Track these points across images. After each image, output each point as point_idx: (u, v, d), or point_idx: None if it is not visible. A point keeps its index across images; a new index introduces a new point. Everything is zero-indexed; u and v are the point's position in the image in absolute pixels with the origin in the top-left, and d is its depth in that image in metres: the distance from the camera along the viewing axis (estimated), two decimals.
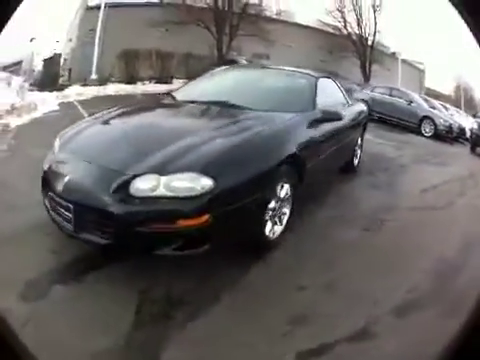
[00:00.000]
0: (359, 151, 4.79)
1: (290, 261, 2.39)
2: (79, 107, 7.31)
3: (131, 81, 11.64)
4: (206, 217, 1.87)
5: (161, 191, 1.88)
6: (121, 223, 1.88)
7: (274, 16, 15.03)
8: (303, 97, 3.13)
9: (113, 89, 10.75)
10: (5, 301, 1.61)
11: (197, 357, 1.53)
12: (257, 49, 14.18)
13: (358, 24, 15.76)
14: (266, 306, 1.92)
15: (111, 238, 1.92)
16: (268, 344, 1.65)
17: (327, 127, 3.12)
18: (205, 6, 12.57)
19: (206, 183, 1.91)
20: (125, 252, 2.10)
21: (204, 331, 1.68)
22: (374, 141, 6.37)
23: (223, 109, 2.86)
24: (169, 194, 1.88)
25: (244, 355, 1.57)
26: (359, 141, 4.62)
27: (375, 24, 15.57)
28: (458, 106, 12.22)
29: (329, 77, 4.10)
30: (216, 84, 3.54)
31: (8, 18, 0.76)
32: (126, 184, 1.91)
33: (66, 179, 2.07)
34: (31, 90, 9.22)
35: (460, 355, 0.69)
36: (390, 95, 10.52)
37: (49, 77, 11.28)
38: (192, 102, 3.07)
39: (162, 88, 9.24)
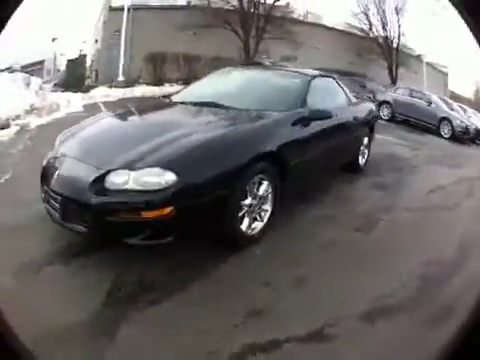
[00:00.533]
0: (366, 151, 4.64)
1: (264, 257, 2.33)
2: (103, 108, 7.39)
3: (158, 83, 11.95)
4: (169, 209, 1.95)
5: (131, 185, 1.99)
6: (95, 213, 2.01)
7: (301, 18, 14.91)
8: (292, 96, 3.05)
9: (140, 91, 10.88)
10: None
11: (151, 338, 1.61)
12: (285, 51, 14.14)
13: (383, 27, 15.58)
14: (228, 298, 1.92)
15: (88, 227, 2.06)
16: (220, 334, 1.66)
17: (318, 126, 3.01)
18: (231, 8, 12.68)
19: (170, 178, 1.98)
20: (101, 239, 2.21)
21: (163, 316, 1.75)
22: (392, 141, 6.11)
23: (208, 109, 2.87)
24: (137, 188, 1.98)
25: (194, 341, 1.61)
26: (365, 140, 4.42)
27: (399, 27, 15.44)
28: (479, 109, 11.73)
29: (330, 76, 4.00)
30: (211, 85, 3.57)
31: (8, 18, 0.76)
32: (102, 178, 2.04)
33: (56, 174, 2.25)
34: (55, 91, 9.53)
35: (460, 355, 0.68)
36: (411, 96, 10.41)
37: (74, 78, 11.31)
38: (183, 103, 3.12)
39: None
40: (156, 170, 2.00)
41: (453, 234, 2.93)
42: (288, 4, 14.48)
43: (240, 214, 2.33)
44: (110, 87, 11.10)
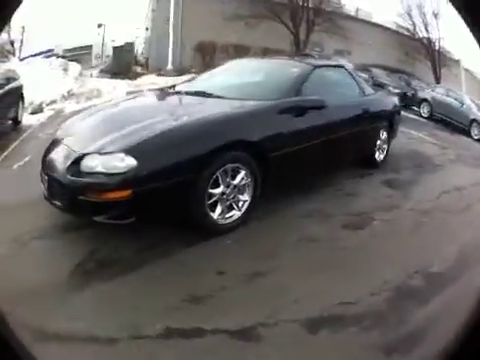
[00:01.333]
0: (386, 146, 4.27)
1: (232, 247, 2.24)
2: None
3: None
4: (128, 192, 2.00)
5: (100, 168, 2.09)
6: (69, 192, 2.14)
7: (352, 14, 14.40)
8: (286, 85, 2.87)
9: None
10: None
11: (97, 306, 1.74)
12: (338, 45, 13.68)
13: (425, 28, 15.23)
14: (176, 281, 1.91)
15: (65, 204, 2.21)
16: (151, 313, 1.67)
17: (315, 117, 2.80)
18: (281, 1, 12.39)
19: (130, 163, 2.03)
20: (74, 215, 2.31)
21: (114, 289, 1.83)
22: (422, 139, 5.61)
23: (195, 98, 2.83)
24: (104, 171, 2.08)
25: (127, 315, 1.64)
26: (383, 135, 4.03)
27: (438, 30, 15.07)
28: None
29: (341, 67, 3.72)
30: (215, 75, 3.49)
31: (8, 18, 0.75)
32: (78, 162, 2.15)
33: (48, 157, 2.45)
34: (101, 77, 9.70)
35: (460, 355, 0.66)
36: (447, 95, 10.22)
37: (120, 65, 11.04)
38: (178, 92, 3.11)
39: None
40: (120, 155, 2.06)
41: (454, 243, 2.52)
42: (339, 0, 14.00)
43: (210, 201, 2.26)
44: (159, 75, 11.06)
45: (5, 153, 3.60)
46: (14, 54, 10.81)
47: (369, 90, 3.94)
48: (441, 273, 2.18)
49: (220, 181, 2.29)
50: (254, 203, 2.51)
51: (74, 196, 2.10)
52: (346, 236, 2.51)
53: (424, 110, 10.23)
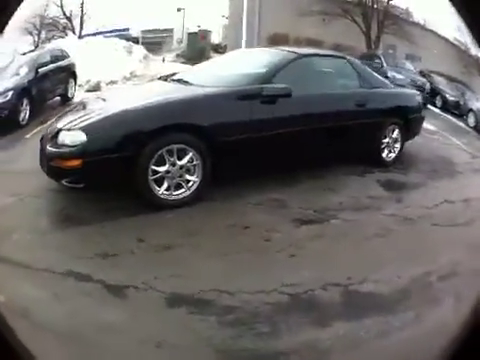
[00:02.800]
0: (398, 145, 3.71)
1: (169, 221, 2.31)
2: None
3: None
4: (78, 162, 2.27)
5: (65, 141, 2.36)
6: (46, 159, 2.46)
7: (421, 22, 13.36)
8: (256, 73, 2.76)
9: None
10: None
11: (51, 244, 2.08)
12: (410, 50, 13.02)
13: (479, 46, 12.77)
14: (105, 240, 2.11)
15: (45, 169, 2.54)
16: (69, 259, 1.91)
17: (283, 105, 2.66)
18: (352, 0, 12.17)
19: (82, 138, 2.29)
20: (49, 178, 2.59)
21: (65, 236, 2.18)
22: (457, 146, 4.82)
23: (170, 85, 2.98)
24: (68, 143, 2.35)
25: (58, 254, 1.96)
26: (393, 133, 3.56)
27: None
28: None
29: (341, 57, 3.42)
30: (209, 64, 3.58)
31: (8, 18, 0.74)
32: (56, 136, 2.45)
33: (46, 132, 2.76)
34: (174, 62, 9.69)
35: (460, 355, 0.66)
36: None
37: (194, 51, 10.77)
38: (166, 79, 3.22)
39: None
40: (78, 132, 2.33)
41: (421, 264, 2.04)
42: (407, 8, 13.14)
43: (154, 177, 2.33)
44: None
45: (38, 128, 4.20)
46: (74, 31, 10.48)
47: (377, 83, 3.52)
48: (370, 294, 1.79)
49: (165, 159, 2.35)
50: (204, 184, 2.50)
51: (48, 163, 2.42)
52: (286, 229, 2.31)
53: (470, 120, 9.13)
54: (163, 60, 10.87)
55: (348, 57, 3.49)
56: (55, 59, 5.62)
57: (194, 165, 2.46)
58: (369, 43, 11.86)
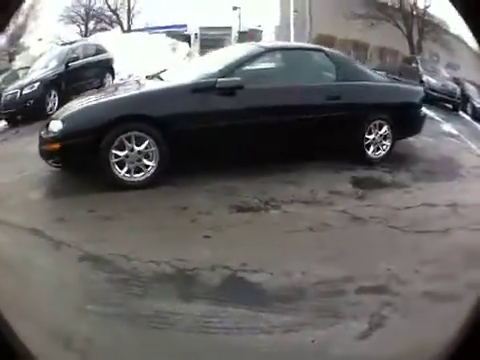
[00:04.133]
0: (387, 142, 3.37)
1: (124, 198, 2.62)
2: None
3: None
4: (57, 145, 2.68)
5: (53, 128, 2.78)
6: (39, 143, 2.88)
7: (455, 32, 11.61)
8: (216, 67, 2.86)
9: None
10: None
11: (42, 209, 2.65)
12: (450, 59, 11.74)
13: None
14: (62, 205, 2.61)
15: (39, 151, 2.92)
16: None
17: (246, 98, 2.78)
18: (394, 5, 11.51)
19: (60, 126, 2.71)
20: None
21: (55, 203, 2.73)
22: (472, 150, 4.15)
23: (152, 81, 3.22)
24: (52, 130, 2.78)
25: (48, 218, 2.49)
26: (381, 129, 3.31)
27: None
28: None
29: (320, 50, 3.32)
30: (192, 62, 3.80)
31: (8, 18, 0.73)
32: (48, 124, 2.87)
33: None
34: None
35: (460, 355, 0.66)
36: None
37: None
38: (147, 77, 3.46)
39: None
40: (58, 121, 2.75)
41: (343, 266, 1.92)
42: (443, 19, 11.70)
43: (115, 160, 2.64)
44: None
45: None
46: (121, 25, 10.04)
47: (366, 76, 3.30)
48: (254, 284, 1.81)
49: (125, 145, 2.64)
50: (161, 169, 2.73)
51: (40, 146, 2.84)
52: (218, 214, 2.44)
53: None
54: None
55: (326, 49, 3.34)
56: (89, 54, 5.85)
57: (152, 151, 2.73)
58: (412, 48, 11.31)
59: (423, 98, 3.51)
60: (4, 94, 5.39)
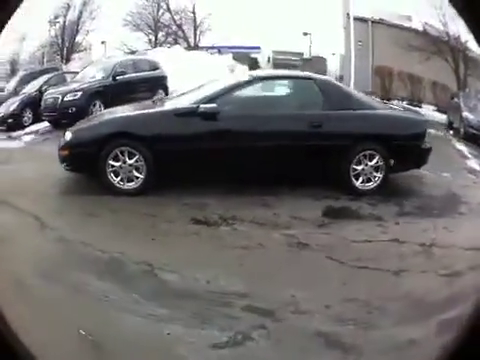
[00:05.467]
0: (378, 174, 3.24)
1: (113, 201, 3.10)
2: None
3: (384, 97, 10.64)
4: (67, 152, 3.29)
5: (65, 138, 3.38)
6: (57, 149, 3.47)
7: None
8: (204, 94, 3.25)
9: None
10: None
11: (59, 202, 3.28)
12: None
13: None
14: (64, 205, 3.18)
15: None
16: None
17: (217, 123, 3.10)
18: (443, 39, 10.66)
19: (70, 137, 3.34)
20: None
21: (69, 199, 3.33)
22: None
23: (147, 104, 3.79)
24: (66, 139, 3.37)
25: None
26: (371, 160, 3.21)
27: None
28: None
29: (310, 79, 3.43)
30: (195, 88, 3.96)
31: (7, 17, 0.70)
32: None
33: None
34: None
35: (460, 356, 0.64)
36: None
37: None
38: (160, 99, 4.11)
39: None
40: (69, 133, 3.37)
41: (253, 284, 2.01)
42: None
43: (111, 170, 3.16)
44: None
45: None
46: (187, 41, 9.91)
47: (360, 105, 3.28)
48: (161, 281, 2.08)
49: (119, 158, 3.18)
50: (148, 181, 3.17)
51: (58, 151, 3.38)
52: (178, 223, 2.78)
53: None
54: None
55: (317, 78, 3.43)
56: (141, 69, 6.23)
57: (141, 165, 3.21)
58: (459, 83, 10.69)
59: (425, 130, 3.26)
60: (45, 96, 5.79)
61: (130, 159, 3.17)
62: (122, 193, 3.23)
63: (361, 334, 1.67)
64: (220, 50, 11.32)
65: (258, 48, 12.37)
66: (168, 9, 9.89)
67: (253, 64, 11.31)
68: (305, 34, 12.40)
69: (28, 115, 6.48)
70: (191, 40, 10.47)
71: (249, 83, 3.26)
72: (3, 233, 2.47)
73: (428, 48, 10.73)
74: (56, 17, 8.81)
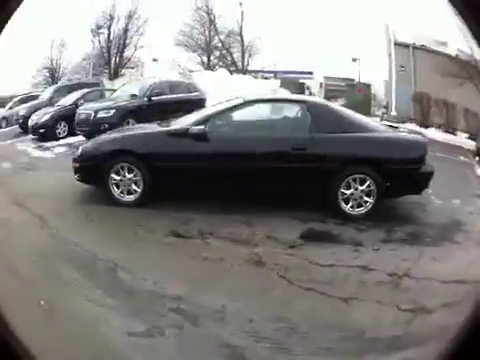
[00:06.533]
0: (369, 199, 3.08)
1: (110, 210, 3.39)
2: None
3: (423, 125, 10.43)
4: (77, 165, 3.68)
5: (77, 151, 3.79)
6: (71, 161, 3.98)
7: None
8: (196, 116, 3.49)
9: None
10: None
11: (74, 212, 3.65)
12: None
13: None
14: (69, 211, 3.54)
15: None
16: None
17: (204, 144, 3.31)
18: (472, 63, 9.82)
19: (80, 151, 3.74)
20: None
21: (86, 209, 3.71)
22: None
23: (156, 125, 3.99)
24: (78, 153, 3.76)
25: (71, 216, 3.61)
26: (361, 185, 3.11)
27: None
28: None
29: (301, 102, 3.56)
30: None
31: (7, 18, 0.71)
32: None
33: None
34: None
35: (460, 355, 0.65)
36: None
37: (351, 103, 9.89)
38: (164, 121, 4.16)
39: (446, 137, 8.72)
40: (80, 147, 3.79)
41: (193, 295, 2.10)
42: None
43: (113, 183, 3.49)
44: (381, 119, 10.76)
45: None
46: (235, 64, 9.97)
47: (353, 128, 3.24)
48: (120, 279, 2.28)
49: (120, 172, 3.51)
50: (145, 194, 3.45)
51: (72, 163, 3.71)
52: (157, 233, 2.97)
53: None
54: None
55: (310, 101, 3.50)
56: (178, 91, 6.41)
57: (138, 180, 3.52)
58: None
59: (424, 153, 3.07)
60: (79, 111, 5.98)
61: (129, 174, 3.49)
62: (122, 204, 3.52)
63: (268, 355, 1.62)
64: (276, 74, 11.65)
65: (311, 73, 12.50)
66: (216, 31, 10.24)
67: (300, 89, 11.32)
68: (354, 60, 12.30)
69: (62, 128, 6.63)
70: (240, 63, 10.69)
71: (240, 106, 3.44)
72: (10, 228, 2.86)
73: (461, 74, 10.11)
74: (99, 27, 9.07)
